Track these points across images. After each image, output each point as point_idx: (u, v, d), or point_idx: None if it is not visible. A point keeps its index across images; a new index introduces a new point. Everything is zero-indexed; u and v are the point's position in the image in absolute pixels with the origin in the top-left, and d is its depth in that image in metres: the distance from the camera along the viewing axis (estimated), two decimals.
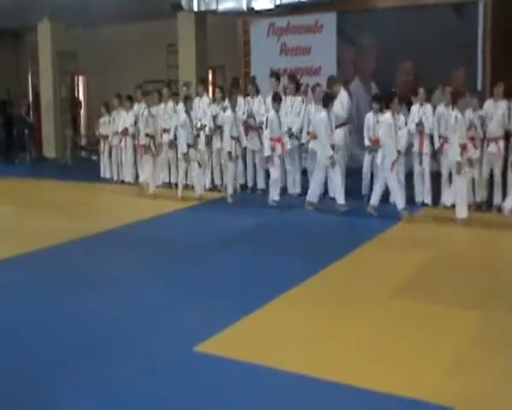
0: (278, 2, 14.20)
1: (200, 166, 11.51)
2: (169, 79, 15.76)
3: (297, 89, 11.59)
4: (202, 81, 13.51)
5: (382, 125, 9.65)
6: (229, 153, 10.99)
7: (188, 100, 11.61)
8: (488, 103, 9.97)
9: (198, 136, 11.86)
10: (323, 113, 10.00)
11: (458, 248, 8.25)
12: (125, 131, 13.21)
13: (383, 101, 10.10)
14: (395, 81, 13.15)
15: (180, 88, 14.09)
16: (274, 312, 5.76)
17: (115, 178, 13.66)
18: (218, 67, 17.13)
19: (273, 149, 10.49)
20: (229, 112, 11.10)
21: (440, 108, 10.19)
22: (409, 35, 12.95)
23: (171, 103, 12.70)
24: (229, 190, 11.10)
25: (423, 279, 6.67)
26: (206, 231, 9.11)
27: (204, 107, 12.20)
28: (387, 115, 9.57)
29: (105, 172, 13.92)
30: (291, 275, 6.72)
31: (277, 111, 10.59)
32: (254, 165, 11.85)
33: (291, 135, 11.11)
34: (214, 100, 12.34)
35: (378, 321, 5.47)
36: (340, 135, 10.56)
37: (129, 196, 12.26)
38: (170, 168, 12.79)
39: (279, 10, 14.46)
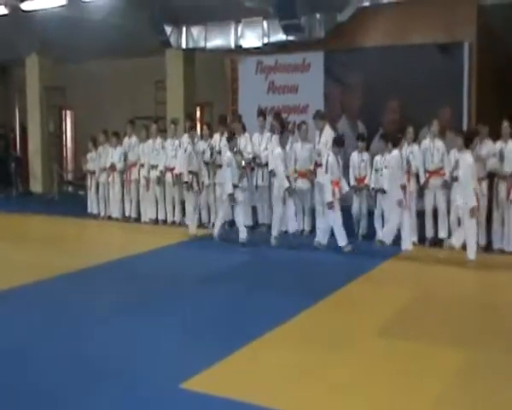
0: (266, 41, 14.38)
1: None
2: (157, 116, 15.84)
3: (282, 127, 11.66)
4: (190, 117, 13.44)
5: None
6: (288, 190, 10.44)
7: (232, 138, 10.84)
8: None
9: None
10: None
11: (443, 286, 8.24)
12: (112, 167, 13.22)
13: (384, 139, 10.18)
14: (382, 120, 13.30)
15: (168, 125, 14.17)
16: (261, 349, 5.73)
17: (102, 213, 13.62)
18: (206, 103, 17.23)
19: (334, 193, 9.90)
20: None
21: (426, 142, 10.29)
22: (395, 74, 13.10)
23: (159, 139, 12.77)
24: (274, 232, 10.57)
25: (409, 317, 6.69)
26: (193, 268, 9.10)
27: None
28: (395, 153, 9.62)
29: (92, 207, 13.88)
30: (278, 312, 6.71)
31: (336, 154, 10.04)
32: None
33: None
34: (202, 137, 12.40)
35: (364, 361, 5.45)
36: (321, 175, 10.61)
37: (116, 232, 12.22)
38: (157, 205, 12.79)
39: (267, 49, 14.62)
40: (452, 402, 4.64)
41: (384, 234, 9.84)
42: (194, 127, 11.42)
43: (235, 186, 10.45)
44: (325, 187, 9.91)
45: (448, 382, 4.98)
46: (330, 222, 9.92)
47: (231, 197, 10.36)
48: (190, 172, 11.23)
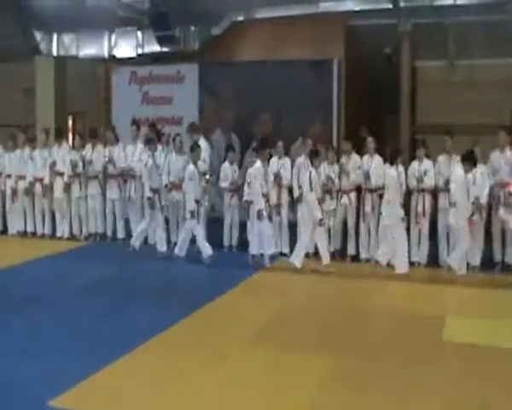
0: (140, 51, 14.28)
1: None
2: (26, 124, 15.24)
3: (158, 138, 11.58)
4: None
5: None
6: None
7: (195, 149, 10.21)
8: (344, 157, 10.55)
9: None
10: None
11: (310, 296, 8.46)
12: None
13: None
14: (255, 133, 13.53)
15: (39, 133, 13.63)
16: (133, 361, 5.67)
17: None
18: (79, 113, 16.80)
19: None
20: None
21: (300, 160, 10.55)
22: (268, 88, 13.37)
23: (27, 149, 12.27)
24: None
25: (281, 326, 6.86)
26: (65, 281, 8.80)
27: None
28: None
29: None
30: (152, 324, 6.67)
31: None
32: (114, 214, 11.60)
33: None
34: (74, 147, 12.08)
35: (236, 368, 5.52)
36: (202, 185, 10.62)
37: None
38: (25, 216, 12.29)
39: (141, 59, 14.51)
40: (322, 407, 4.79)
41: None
42: (156, 139, 10.81)
43: (197, 202, 9.93)
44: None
45: (316, 388, 5.12)
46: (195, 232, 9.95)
47: (193, 214, 9.81)
48: (153, 189, 10.37)
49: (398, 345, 6.30)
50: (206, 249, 9.86)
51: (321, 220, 9.36)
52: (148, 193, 10.34)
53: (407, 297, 8.35)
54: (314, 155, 9.63)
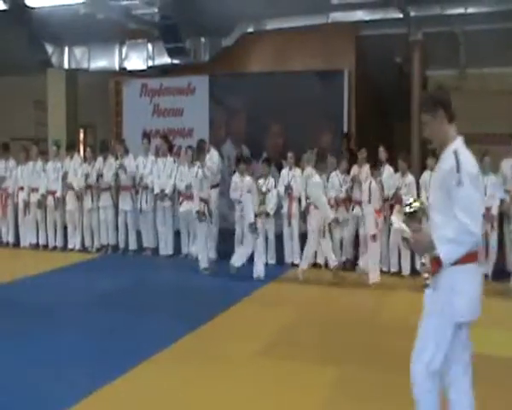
0: (151, 64, 14.33)
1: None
2: (37, 137, 15.33)
3: (169, 150, 11.63)
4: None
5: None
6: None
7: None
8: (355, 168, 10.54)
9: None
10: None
11: (321, 307, 8.43)
12: None
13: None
14: (265, 144, 13.54)
15: (50, 146, 13.70)
16: (143, 374, 5.64)
17: None
18: (90, 126, 16.89)
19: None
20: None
21: (309, 170, 10.54)
22: (278, 99, 13.38)
23: (39, 162, 12.34)
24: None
25: (288, 337, 6.84)
26: (77, 293, 8.78)
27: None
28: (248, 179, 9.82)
29: None
30: (163, 336, 6.65)
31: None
32: (126, 225, 11.62)
33: (164, 196, 11.09)
34: (85, 159, 12.14)
35: (246, 380, 5.49)
36: (213, 196, 10.63)
37: None
38: (38, 229, 12.34)
39: (152, 71, 14.57)
40: None
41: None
42: (204, 150, 10.48)
43: (255, 215, 9.66)
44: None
45: (322, 400, 5.09)
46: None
47: (253, 227, 9.52)
48: (201, 199, 10.04)
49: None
50: (259, 267, 9.67)
51: (331, 223, 9.34)
52: (197, 206, 9.93)
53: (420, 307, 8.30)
54: (320, 160, 9.64)
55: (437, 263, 3.57)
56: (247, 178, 9.81)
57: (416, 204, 3.74)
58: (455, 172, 3.55)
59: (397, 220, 4.20)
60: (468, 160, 3.64)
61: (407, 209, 3.74)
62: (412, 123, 12.58)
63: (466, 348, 3.76)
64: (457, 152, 3.63)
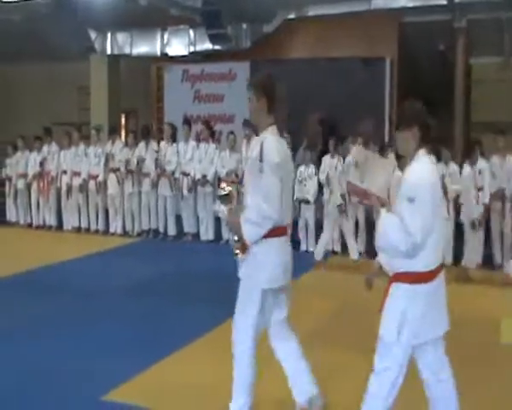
0: (192, 49, 14.39)
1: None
2: (80, 122, 15.54)
3: (211, 136, 11.67)
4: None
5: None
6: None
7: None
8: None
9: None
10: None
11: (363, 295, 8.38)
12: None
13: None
14: (306, 131, 13.48)
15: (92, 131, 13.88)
16: (184, 359, 5.69)
17: (22, 221, 13.24)
18: (131, 111, 17.04)
19: None
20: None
21: (349, 158, 10.48)
22: (319, 86, 13.32)
23: (82, 146, 12.52)
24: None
25: (330, 325, 6.84)
26: (117, 278, 8.89)
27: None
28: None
29: (11, 215, 13.45)
30: (201, 323, 6.66)
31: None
32: (165, 211, 11.70)
33: (206, 182, 11.15)
34: (127, 144, 12.28)
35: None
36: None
37: (36, 241, 11.90)
38: (80, 212, 12.54)
39: (193, 57, 14.62)
40: None
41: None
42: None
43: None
44: None
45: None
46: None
47: (340, 208, 9.56)
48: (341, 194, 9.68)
49: (454, 347, 6.20)
50: (353, 250, 9.73)
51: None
52: (339, 200, 9.70)
53: (458, 299, 8.20)
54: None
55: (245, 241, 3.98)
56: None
57: (229, 188, 4.11)
58: (258, 160, 3.88)
59: (218, 203, 4.55)
60: (273, 149, 3.90)
61: (221, 192, 4.14)
62: (456, 111, 12.41)
63: (281, 311, 4.29)
64: (264, 141, 3.92)
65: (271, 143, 3.96)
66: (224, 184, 4.19)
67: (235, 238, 4.11)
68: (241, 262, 4.13)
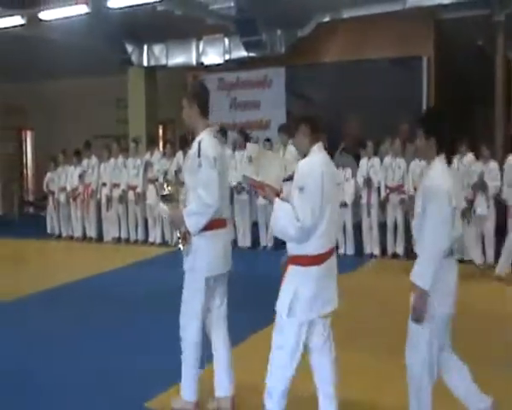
0: (227, 58, 14.40)
1: None
2: (118, 134, 15.70)
3: (246, 142, 11.63)
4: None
5: None
6: None
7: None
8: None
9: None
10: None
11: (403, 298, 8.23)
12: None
13: None
14: (342, 134, 13.35)
15: (130, 143, 14.03)
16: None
17: (64, 234, 13.43)
18: (169, 121, 17.15)
19: None
20: None
21: (387, 160, 10.36)
22: (355, 88, 13.18)
23: (120, 158, 12.66)
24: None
25: (366, 328, 6.77)
26: (160, 285, 8.86)
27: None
28: None
29: (53, 228, 13.68)
30: (241, 328, 6.59)
31: None
32: None
33: (242, 189, 11.13)
34: (165, 155, 12.36)
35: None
36: (285, 189, 10.57)
37: (78, 252, 12.05)
38: (120, 223, 12.66)
39: (228, 65, 14.64)
40: None
41: None
42: None
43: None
44: None
45: None
46: None
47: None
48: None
49: (491, 346, 6.06)
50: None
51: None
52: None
53: (493, 297, 8.06)
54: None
55: (188, 233, 4.41)
56: None
57: (169, 188, 4.53)
58: (196, 156, 4.35)
59: (160, 203, 4.88)
60: (208, 147, 4.39)
61: (163, 192, 4.54)
62: (496, 108, 12.13)
63: (222, 301, 4.80)
64: (201, 141, 4.41)
65: (207, 141, 4.44)
66: (165, 185, 4.59)
67: (178, 234, 4.50)
68: (185, 255, 4.52)
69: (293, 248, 3.97)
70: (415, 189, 9.70)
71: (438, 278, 3.72)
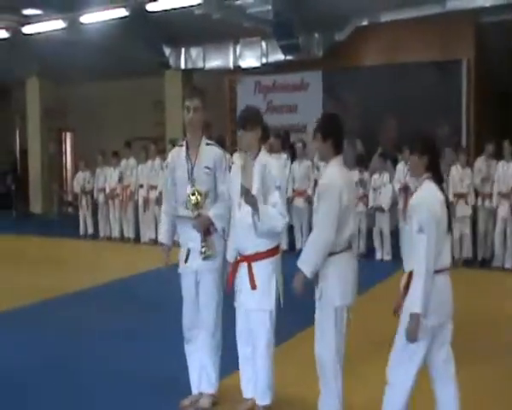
0: (264, 61, 14.43)
1: None
2: (156, 137, 15.85)
3: (283, 146, 11.66)
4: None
5: None
6: None
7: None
8: (480, 161, 10.16)
9: None
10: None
11: None
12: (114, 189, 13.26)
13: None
14: (379, 138, 13.30)
15: (169, 145, 14.14)
16: None
17: (102, 234, 13.61)
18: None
19: None
20: None
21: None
22: (393, 93, 13.13)
23: (158, 160, 12.77)
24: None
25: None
26: None
27: None
28: None
29: (86, 228, 13.88)
30: (283, 330, 6.62)
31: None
32: None
33: None
34: None
35: (359, 374, 5.41)
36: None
37: (116, 253, 12.18)
38: (156, 225, 12.76)
39: (265, 69, 14.67)
40: None
41: None
42: None
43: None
44: None
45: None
46: None
47: None
48: None
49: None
50: None
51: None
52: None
53: None
54: None
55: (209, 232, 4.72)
56: None
57: (197, 197, 4.74)
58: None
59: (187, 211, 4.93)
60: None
61: (192, 201, 4.74)
62: None
63: None
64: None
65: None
66: (191, 195, 4.76)
67: (201, 240, 4.70)
68: (210, 260, 4.73)
69: (266, 244, 4.50)
70: (453, 195, 9.65)
71: (338, 270, 4.25)
